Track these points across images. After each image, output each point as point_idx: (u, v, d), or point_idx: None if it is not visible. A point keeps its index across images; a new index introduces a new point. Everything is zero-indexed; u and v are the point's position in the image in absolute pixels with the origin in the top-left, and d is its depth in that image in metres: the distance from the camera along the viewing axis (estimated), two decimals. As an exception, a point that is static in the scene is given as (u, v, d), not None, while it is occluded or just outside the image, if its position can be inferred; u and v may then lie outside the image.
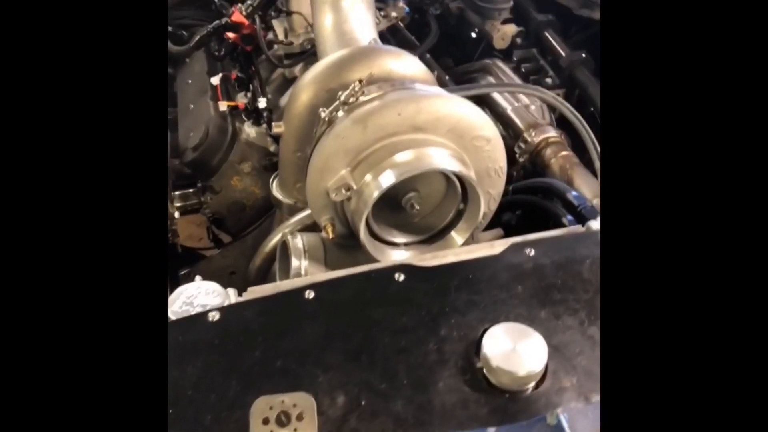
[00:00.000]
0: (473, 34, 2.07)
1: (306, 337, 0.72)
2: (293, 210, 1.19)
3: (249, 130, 1.41)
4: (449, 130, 0.93)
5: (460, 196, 0.98)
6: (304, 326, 0.73)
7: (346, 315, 0.75)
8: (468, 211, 0.97)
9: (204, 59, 1.66)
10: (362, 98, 0.94)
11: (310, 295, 0.77)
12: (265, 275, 1.20)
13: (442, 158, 0.91)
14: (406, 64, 1.08)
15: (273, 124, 1.11)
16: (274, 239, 1.16)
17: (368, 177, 0.91)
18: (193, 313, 0.79)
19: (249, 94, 1.43)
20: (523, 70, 1.89)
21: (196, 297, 0.82)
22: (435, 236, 1.02)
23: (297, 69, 1.53)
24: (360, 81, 0.94)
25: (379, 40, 1.19)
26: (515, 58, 1.92)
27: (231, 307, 0.77)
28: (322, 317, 0.75)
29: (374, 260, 0.98)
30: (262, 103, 1.34)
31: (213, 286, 0.84)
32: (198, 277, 0.87)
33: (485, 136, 0.96)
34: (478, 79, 1.76)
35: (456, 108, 0.93)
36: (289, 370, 0.69)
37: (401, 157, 0.91)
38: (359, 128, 0.90)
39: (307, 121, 1.07)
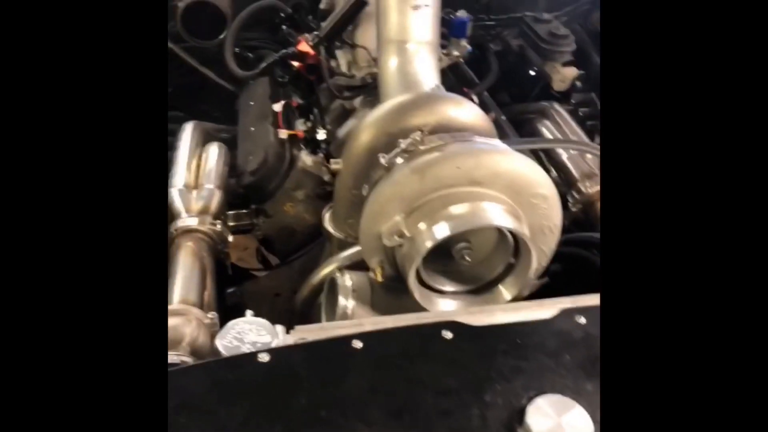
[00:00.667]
0: (532, 72, 2.07)
1: (351, 388, 0.73)
2: (343, 244, 1.21)
3: (305, 159, 1.44)
4: (507, 186, 0.93)
5: (512, 251, 0.98)
6: (350, 377, 0.74)
7: (391, 370, 0.76)
8: (519, 267, 0.97)
9: (267, 83, 1.71)
10: (422, 147, 0.96)
11: (357, 344, 0.78)
12: (310, 306, 1.22)
13: (497, 214, 0.91)
14: (466, 112, 1.09)
15: (332, 160, 1.14)
16: (323, 272, 1.18)
17: (422, 225, 0.92)
18: (243, 350, 0.81)
19: (309, 123, 1.46)
20: (581, 113, 1.88)
21: (247, 333, 0.84)
22: (482, 288, 1.02)
23: (356, 101, 1.56)
24: (421, 131, 0.95)
25: (441, 87, 1.20)
26: (573, 101, 1.91)
27: (280, 350, 0.78)
28: (368, 369, 0.75)
29: (420, 306, 0.98)
30: (321, 134, 1.37)
31: (263, 323, 0.86)
32: (249, 312, 0.90)
33: (543, 194, 0.95)
34: (535, 121, 1.75)
35: (515, 164, 0.93)
36: (333, 422, 0.70)
37: (457, 209, 0.91)
38: (417, 178, 0.92)
39: (365, 161, 1.09)
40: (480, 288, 1.02)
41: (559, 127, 1.68)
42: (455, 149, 0.93)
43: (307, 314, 1.25)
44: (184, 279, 1.12)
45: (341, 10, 1.50)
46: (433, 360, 0.77)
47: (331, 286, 1.09)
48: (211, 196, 1.31)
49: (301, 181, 1.44)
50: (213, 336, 1.04)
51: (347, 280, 1.03)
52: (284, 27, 1.67)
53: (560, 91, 1.90)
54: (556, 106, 1.76)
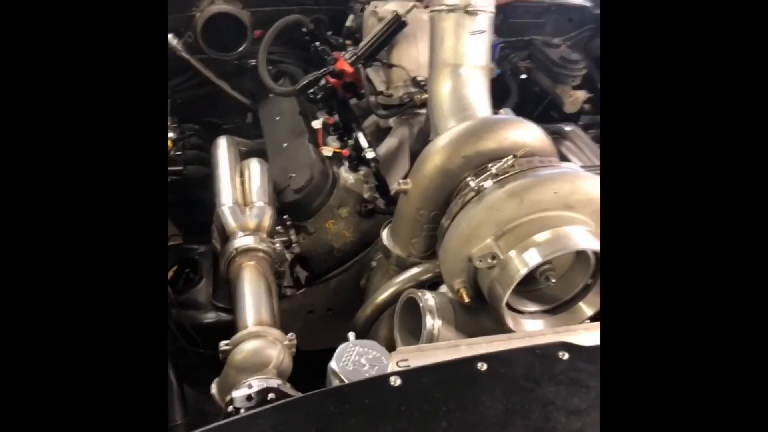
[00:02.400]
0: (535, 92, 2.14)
1: (486, 410, 0.74)
2: (402, 262, 1.22)
3: (346, 176, 1.44)
4: (595, 211, 0.97)
5: (592, 272, 1.01)
6: (482, 399, 0.76)
7: (520, 391, 0.78)
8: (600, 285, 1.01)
9: (293, 98, 1.70)
10: (511, 171, 0.98)
11: (482, 367, 0.79)
12: (371, 325, 1.22)
13: (587, 237, 0.95)
14: (535, 135, 1.13)
15: (400, 181, 1.14)
16: (387, 291, 1.18)
17: (515, 250, 0.95)
18: (363, 373, 0.81)
19: (350, 141, 1.46)
20: (590, 134, 1.96)
21: (362, 356, 0.84)
22: (559, 307, 1.05)
23: (391, 120, 1.58)
24: (514, 156, 0.98)
25: (510, 111, 1.23)
26: (581, 123, 1.99)
27: (410, 372, 0.79)
28: (498, 391, 0.77)
29: (500, 325, 1.01)
30: (369, 153, 1.37)
31: (373, 345, 0.86)
32: (351, 335, 0.90)
33: (624, 219, 1.00)
34: (556, 142, 1.81)
35: (605, 191, 0.97)
36: (477, 444, 0.71)
37: (548, 235, 0.94)
38: (515, 202, 0.94)
39: (437, 182, 1.11)
40: (556, 307, 1.05)
41: (581, 149, 1.75)
42: (551, 174, 0.97)
43: (365, 333, 1.25)
44: (255, 300, 1.10)
45: (380, 30, 1.52)
46: (556, 381, 0.79)
47: (407, 306, 1.09)
48: (263, 214, 1.29)
49: (344, 198, 1.44)
50: (293, 357, 1.04)
51: (430, 299, 1.04)
52: (317, 44, 1.66)
53: (570, 113, 1.99)
54: (575, 127, 1.83)
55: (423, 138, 1.52)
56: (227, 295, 1.39)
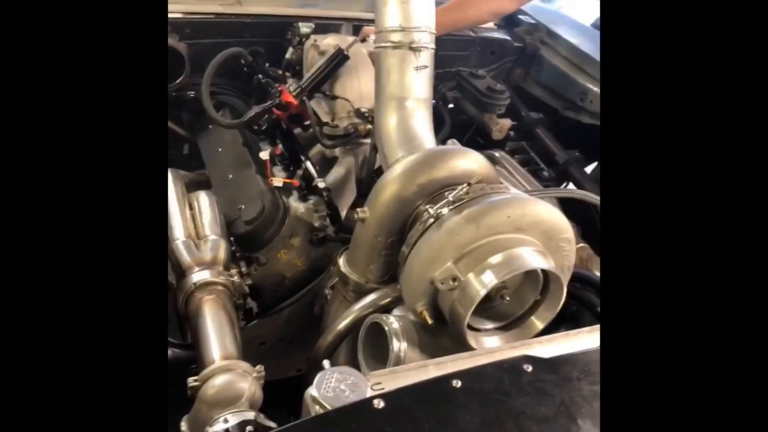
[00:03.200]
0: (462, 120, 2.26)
1: (466, 425, 0.80)
2: (360, 288, 1.26)
3: (297, 206, 1.47)
4: (543, 232, 1.06)
5: (541, 288, 1.10)
6: (461, 414, 0.81)
7: (494, 404, 0.83)
8: (549, 300, 1.09)
9: (235, 130, 1.70)
10: (466, 198, 1.06)
11: (457, 384, 0.84)
12: (333, 351, 1.24)
13: (540, 258, 1.04)
14: (481, 163, 1.21)
15: (358, 209, 1.19)
16: (348, 318, 1.21)
17: (475, 272, 1.01)
18: (344, 398, 0.83)
19: (299, 171, 1.49)
20: (515, 160, 2.10)
21: (341, 382, 0.86)
22: (513, 323, 1.13)
23: (336, 150, 1.62)
24: (469, 184, 1.05)
25: (456, 141, 1.31)
26: (507, 149, 2.13)
27: (391, 394, 0.82)
28: (473, 405, 0.82)
29: (460, 344, 1.07)
30: (321, 183, 1.41)
31: (348, 370, 0.89)
32: (326, 362, 0.92)
33: (568, 238, 1.10)
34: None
35: (551, 213, 1.06)
36: (460, 456, 0.76)
37: (504, 256, 1.02)
38: (473, 226, 1.01)
39: (394, 209, 1.16)
40: (510, 323, 1.12)
41: (512, 174, 1.86)
42: (504, 200, 1.04)
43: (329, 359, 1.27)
44: (219, 333, 1.09)
45: (324, 63, 1.57)
46: (524, 392, 0.86)
47: (371, 330, 1.13)
48: (218, 247, 1.29)
49: (296, 228, 1.46)
50: (262, 388, 1.04)
51: (394, 323, 1.09)
52: (260, 76, 1.69)
53: (497, 140, 2.11)
54: (504, 153, 1.95)
55: (367, 166, 1.58)
56: (180, 330, 1.37)
